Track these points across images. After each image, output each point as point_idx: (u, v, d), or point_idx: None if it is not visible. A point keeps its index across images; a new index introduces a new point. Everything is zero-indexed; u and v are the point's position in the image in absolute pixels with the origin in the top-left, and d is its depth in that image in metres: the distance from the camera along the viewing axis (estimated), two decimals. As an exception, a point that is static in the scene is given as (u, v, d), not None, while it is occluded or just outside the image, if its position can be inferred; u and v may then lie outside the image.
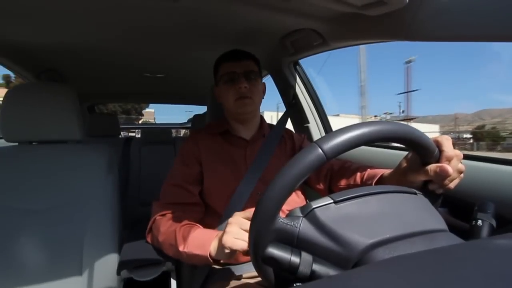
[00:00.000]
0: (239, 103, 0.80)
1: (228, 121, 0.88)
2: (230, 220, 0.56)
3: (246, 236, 0.53)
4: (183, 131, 5.62)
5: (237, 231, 0.54)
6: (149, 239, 0.78)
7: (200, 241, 0.63)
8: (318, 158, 0.37)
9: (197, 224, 0.70)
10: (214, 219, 0.76)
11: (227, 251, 0.54)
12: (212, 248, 0.60)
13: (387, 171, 0.63)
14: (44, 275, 0.80)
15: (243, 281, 0.70)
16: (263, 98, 0.89)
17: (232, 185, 0.76)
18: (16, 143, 0.91)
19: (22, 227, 0.82)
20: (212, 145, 0.83)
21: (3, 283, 0.77)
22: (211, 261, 0.61)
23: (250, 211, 0.52)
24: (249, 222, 0.51)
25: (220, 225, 0.73)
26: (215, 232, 0.64)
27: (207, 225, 0.72)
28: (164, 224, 0.71)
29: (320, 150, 0.37)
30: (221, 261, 0.66)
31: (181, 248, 0.64)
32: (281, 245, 0.39)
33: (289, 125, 1.08)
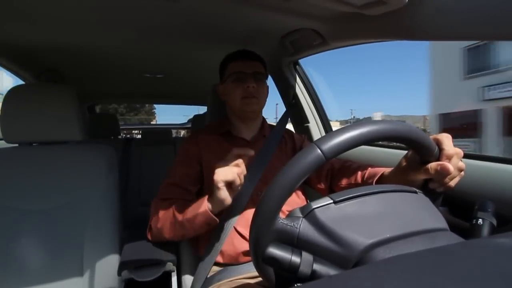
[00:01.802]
0: (245, 101, 0.81)
1: (231, 120, 0.88)
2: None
3: (233, 169, 0.60)
4: (183, 132, 5.62)
5: (225, 169, 0.60)
6: (149, 236, 0.78)
7: (195, 204, 0.67)
8: (317, 159, 0.37)
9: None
10: None
11: (220, 185, 0.59)
12: (209, 202, 0.64)
13: (387, 170, 0.63)
14: (45, 275, 0.80)
15: (244, 281, 0.70)
16: (266, 99, 0.89)
17: None
18: (17, 144, 0.91)
19: (23, 227, 0.82)
20: (212, 145, 0.83)
21: (3, 284, 0.77)
22: (212, 215, 0.64)
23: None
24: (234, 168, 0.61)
25: (220, 225, 0.73)
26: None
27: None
28: (161, 212, 0.73)
29: (319, 151, 0.37)
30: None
31: (180, 218, 0.68)
32: (281, 245, 0.39)
33: (289, 125, 1.08)
